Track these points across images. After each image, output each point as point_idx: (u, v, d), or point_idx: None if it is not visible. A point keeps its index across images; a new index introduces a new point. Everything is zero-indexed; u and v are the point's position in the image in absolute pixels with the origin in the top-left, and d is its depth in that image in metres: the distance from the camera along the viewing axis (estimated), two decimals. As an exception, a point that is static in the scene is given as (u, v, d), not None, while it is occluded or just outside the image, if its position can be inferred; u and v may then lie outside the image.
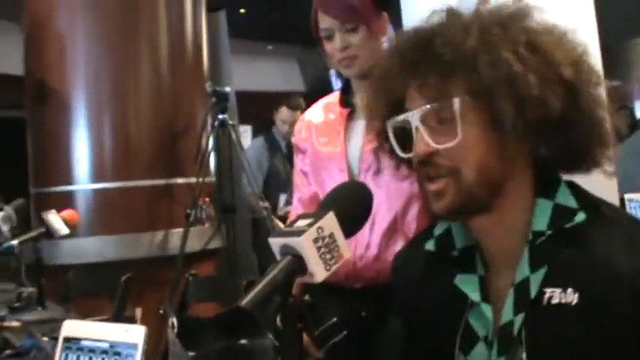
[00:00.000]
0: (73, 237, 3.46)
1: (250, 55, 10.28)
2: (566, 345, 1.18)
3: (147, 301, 3.86)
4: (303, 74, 11.71)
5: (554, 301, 1.19)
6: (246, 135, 7.26)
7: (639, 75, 12.24)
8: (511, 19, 1.25)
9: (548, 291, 1.20)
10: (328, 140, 2.17)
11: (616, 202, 3.02)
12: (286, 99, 5.56)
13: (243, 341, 0.96)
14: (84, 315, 2.75)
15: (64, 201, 4.13)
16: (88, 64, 4.38)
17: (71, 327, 1.24)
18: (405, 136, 1.29)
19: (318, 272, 1.05)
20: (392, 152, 1.36)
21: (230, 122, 4.38)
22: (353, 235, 1.17)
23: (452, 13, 1.28)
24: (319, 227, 1.06)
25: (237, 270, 4.68)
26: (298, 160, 2.33)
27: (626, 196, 3.06)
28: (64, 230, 2.89)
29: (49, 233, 2.88)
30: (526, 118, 1.17)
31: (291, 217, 2.38)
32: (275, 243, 1.08)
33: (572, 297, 1.18)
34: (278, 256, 1.07)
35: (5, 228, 4.15)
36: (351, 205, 1.19)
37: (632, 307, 1.14)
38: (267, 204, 4.40)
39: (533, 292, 1.21)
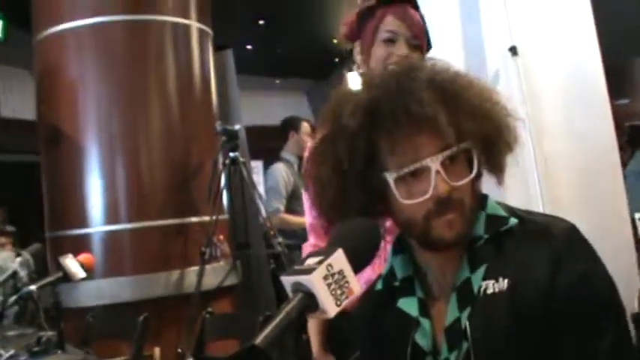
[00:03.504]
0: (89, 279, 3.49)
1: (259, 90, 10.36)
2: (501, 329, 1.30)
3: (165, 340, 3.89)
4: (311, 107, 11.76)
5: (489, 291, 1.34)
6: (257, 170, 7.32)
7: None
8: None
9: (484, 284, 1.35)
10: None
11: (627, 220, 3.08)
12: (294, 121, 5.71)
13: (259, 379, 0.98)
14: (103, 356, 2.78)
15: (80, 243, 4.18)
16: (99, 109, 4.46)
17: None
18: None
19: (329, 308, 1.08)
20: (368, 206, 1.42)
21: (241, 159, 4.43)
22: (362, 270, 1.20)
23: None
24: (329, 264, 1.09)
25: (255, 305, 4.70)
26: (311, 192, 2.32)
27: (637, 215, 3.21)
28: (81, 274, 2.92)
29: (67, 277, 2.91)
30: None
31: (307, 246, 2.39)
32: (287, 281, 1.10)
33: (502, 284, 1.33)
34: (290, 294, 1.10)
35: (23, 273, 4.19)
36: (358, 240, 1.21)
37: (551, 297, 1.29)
38: (280, 239, 4.43)
39: (475, 289, 1.36)
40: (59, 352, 2.87)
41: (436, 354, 1.39)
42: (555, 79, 3.07)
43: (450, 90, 1.36)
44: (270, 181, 5.36)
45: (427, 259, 1.45)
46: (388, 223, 1.82)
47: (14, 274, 3.91)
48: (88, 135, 4.44)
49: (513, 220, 1.39)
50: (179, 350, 4.02)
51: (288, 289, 1.11)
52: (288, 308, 1.06)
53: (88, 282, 3.68)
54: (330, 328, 2.22)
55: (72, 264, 2.91)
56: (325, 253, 1.12)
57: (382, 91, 1.37)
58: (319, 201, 1.47)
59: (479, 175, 1.43)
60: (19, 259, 4.61)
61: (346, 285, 1.11)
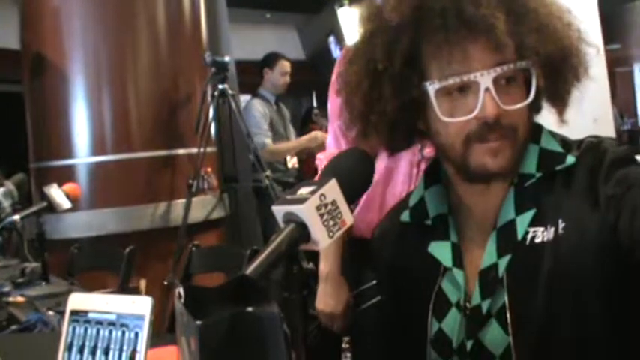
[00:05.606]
0: (75, 211, 3.46)
1: (248, 24, 10.21)
2: (543, 285, 1.17)
3: (151, 273, 3.89)
4: (302, 42, 11.64)
5: (537, 240, 1.19)
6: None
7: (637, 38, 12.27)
8: None
9: (531, 230, 1.20)
10: None
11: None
12: (269, 58, 5.62)
13: (249, 309, 0.96)
14: (88, 288, 2.76)
15: (65, 175, 4.13)
16: (85, 37, 4.36)
17: (78, 300, 1.24)
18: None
19: (322, 239, 1.05)
20: (409, 120, 1.27)
21: (230, 92, 4.37)
22: (355, 201, 1.16)
23: None
24: (322, 194, 1.06)
25: (241, 239, 4.69)
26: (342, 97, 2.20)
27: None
28: (67, 204, 2.88)
29: (52, 208, 2.87)
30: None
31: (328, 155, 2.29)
32: (278, 211, 1.07)
33: (550, 233, 1.18)
34: (281, 224, 1.07)
35: (7, 203, 4.15)
36: (352, 172, 1.18)
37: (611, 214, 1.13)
38: (268, 173, 4.40)
39: (520, 234, 1.21)
40: (43, 283, 2.86)
41: (465, 301, 1.26)
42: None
43: None
44: (248, 118, 5.25)
45: (466, 193, 1.29)
46: (428, 150, 1.76)
47: (-3, 204, 3.86)
48: (73, 64, 4.35)
49: (570, 159, 1.22)
50: (165, 282, 4.03)
51: (280, 219, 1.08)
52: (279, 239, 1.03)
53: (73, 213, 3.66)
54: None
55: (57, 194, 2.87)
56: (318, 183, 1.09)
57: None
58: (348, 108, 1.31)
59: (538, 107, 1.27)
60: (2, 189, 4.55)
61: (339, 216, 1.07)
